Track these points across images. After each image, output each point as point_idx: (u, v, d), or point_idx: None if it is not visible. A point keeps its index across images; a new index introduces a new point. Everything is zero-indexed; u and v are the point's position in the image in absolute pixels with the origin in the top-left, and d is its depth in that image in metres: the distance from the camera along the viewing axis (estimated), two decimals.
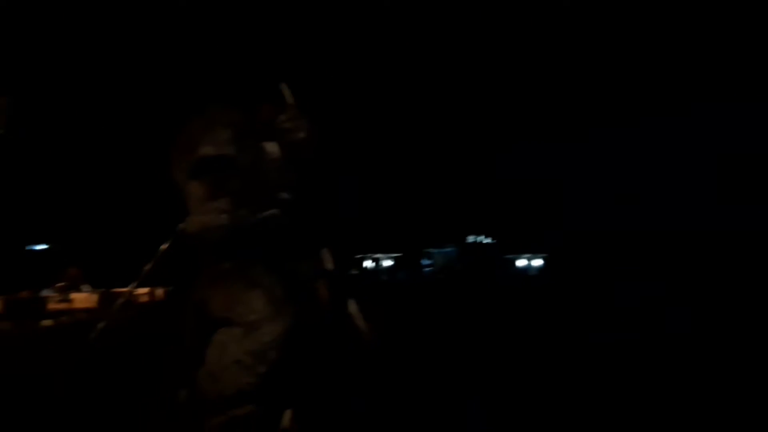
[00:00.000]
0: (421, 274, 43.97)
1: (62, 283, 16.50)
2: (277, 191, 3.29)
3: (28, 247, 21.41)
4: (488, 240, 51.33)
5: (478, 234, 50.56)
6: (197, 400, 2.81)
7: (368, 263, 43.70)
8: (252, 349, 2.80)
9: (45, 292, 14.86)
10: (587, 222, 36.91)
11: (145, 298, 15.78)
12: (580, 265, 34.17)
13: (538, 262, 47.93)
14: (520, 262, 48.61)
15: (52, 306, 13.44)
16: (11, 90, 11.99)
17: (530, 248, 47.66)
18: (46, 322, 12.57)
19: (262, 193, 3.23)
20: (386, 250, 44.50)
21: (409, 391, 4.65)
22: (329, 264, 3.32)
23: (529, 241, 46.13)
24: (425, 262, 48.92)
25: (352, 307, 3.31)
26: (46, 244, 21.65)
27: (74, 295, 14.67)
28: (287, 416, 2.78)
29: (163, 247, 3.77)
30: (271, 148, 3.40)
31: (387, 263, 46.09)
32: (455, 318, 12.04)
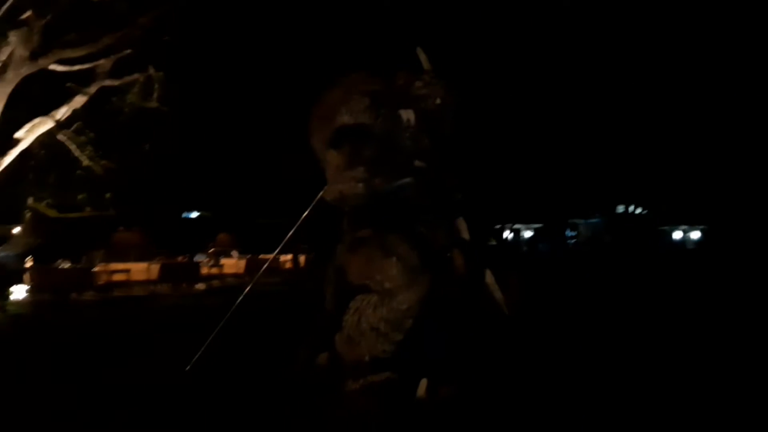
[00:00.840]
0: (564, 245, 41.99)
1: (213, 249, 18.10)
2: (412, 159, 3.25)
3: (184, 215, 23.88)
4: (640, 210, 47.15)
5: (628, 203, 46.57)
6: (337, 365, 2.91)
7: (507, 234, 42.61)
8: (388, 317, 2.82)
9: (198, 257, 16.45)
10: (754, 187, 32.02)
11: (288, 264, 16.87)
12: (745, 238, 30.15)
13: (696, 235, 43.46)
14: (677, 234, 44.37)
15: (205, 270, 14.89)
16: (168, 65, 13.17)
17: (688, 219, 42.99)
18: (200, 286, 13.86)
19: (398, 161, 3.21)
20: (527, 221, 42.91)
21: (541, 367, 4.43)
22: (465, 233, 3.23)
23: (686, 212, 41.49)
24: (569, 233, 46.54)
25: (489, 277, 3.20)
26: (199, 211, 23.97)
27: (224, 260, 16.11)
28: (423, 386, 2.78)
29: (305, 215, 3.95)
30: (407, 115, 3.35)
31: (528, 234, 44.64)
32: (601, 294, 11.29)
